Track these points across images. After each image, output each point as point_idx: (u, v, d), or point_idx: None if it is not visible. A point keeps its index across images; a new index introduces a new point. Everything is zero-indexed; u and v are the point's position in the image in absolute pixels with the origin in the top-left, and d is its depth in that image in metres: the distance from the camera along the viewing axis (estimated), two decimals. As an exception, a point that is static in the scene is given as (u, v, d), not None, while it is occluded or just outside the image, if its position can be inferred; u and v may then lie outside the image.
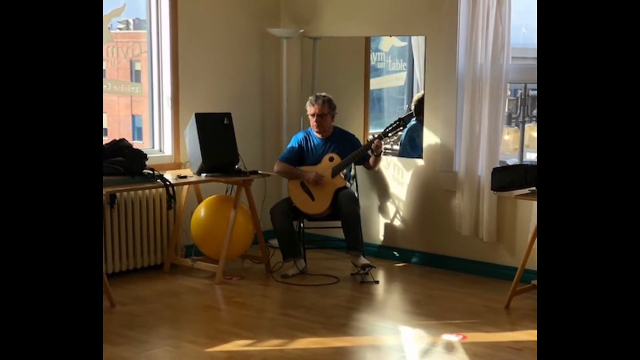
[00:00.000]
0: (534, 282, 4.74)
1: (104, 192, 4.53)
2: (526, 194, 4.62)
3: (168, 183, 4.93)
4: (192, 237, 5.45)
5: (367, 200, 5.85)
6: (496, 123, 5.16)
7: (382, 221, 5.86)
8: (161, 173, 5.01)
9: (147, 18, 5.55)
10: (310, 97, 5.50)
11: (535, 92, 5.47)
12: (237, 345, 4.03)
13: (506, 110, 5.34)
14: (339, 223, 5.38)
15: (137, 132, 5.97)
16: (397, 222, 5.79)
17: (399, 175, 5.74)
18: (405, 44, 6.74)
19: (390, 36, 6.45)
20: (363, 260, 5.23)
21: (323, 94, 5.47)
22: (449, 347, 4.05)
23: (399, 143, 6.08)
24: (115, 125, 5.98)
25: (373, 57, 6.41)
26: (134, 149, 4.94)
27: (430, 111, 5.55)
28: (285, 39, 6.00)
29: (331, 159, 5.38)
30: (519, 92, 5.63)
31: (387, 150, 5.90)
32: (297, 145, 5.49)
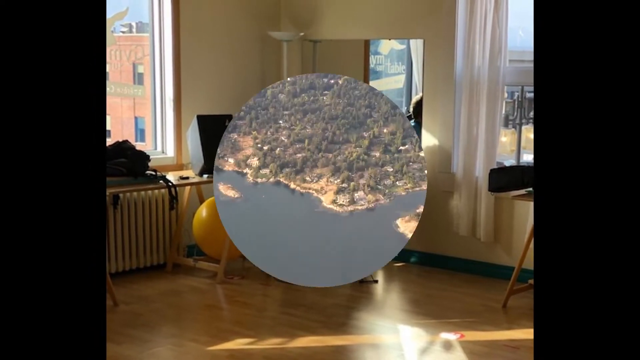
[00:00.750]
0: (531, 281, 4.77)
1: (107, 193, 4.56)
2: (523, 195, 4.64)
3: (170, 184, 4.96)
4: (194, 237, 5.49)
5: (367, 201, 5.89)
6: (493, 125, 5.19)
7: (381, 222, 5.89)
8: (163, 174, 5.04)
9: (149, 21, 5.57)
10: (310, 99, 5.54)
11: (531, 94, 5.51)
12: (238, 343, 4.06)
13: (503, 112, 5.37)
14: (338, 223, 5.42)
15: (140, 134, 5.99)
16: (396, 223, 5.83)
17: (398, 176, 5.77)
18: (404, 46, 6.79)
19: (390, 39, 6.50)
20: (362, 260, 5.28)
21: (323, 96, 5.51)
22: (447, 346, 4.08)
23: (398, 144, 6.13)
24: (118, 127, 6.01)
25: (372, 59, 6.46)
26: (136, 150, 4.96)
27: (428, 113, 5.60)
28: (286, 42, 6.03)
29: (331, 161, 5.42)
30: (516, 94, 5.66)
31: (386, 152, 5.94)
32: (297, 147, 5.54)
